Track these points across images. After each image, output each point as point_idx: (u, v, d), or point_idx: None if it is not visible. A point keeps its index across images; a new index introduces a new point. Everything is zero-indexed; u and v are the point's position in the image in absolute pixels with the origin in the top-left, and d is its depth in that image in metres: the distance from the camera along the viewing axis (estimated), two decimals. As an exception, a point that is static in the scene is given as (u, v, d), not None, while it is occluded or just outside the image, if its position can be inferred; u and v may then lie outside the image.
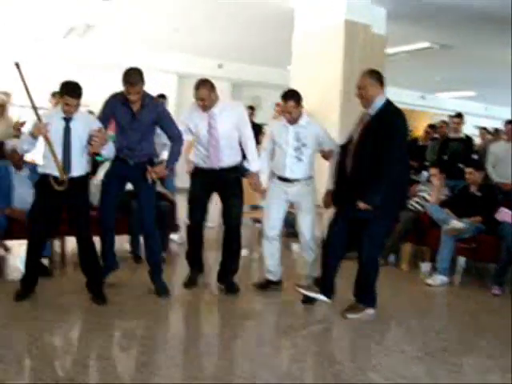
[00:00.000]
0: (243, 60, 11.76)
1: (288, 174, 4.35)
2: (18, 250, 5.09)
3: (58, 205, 3.95)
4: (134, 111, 4.05)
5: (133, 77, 3.92)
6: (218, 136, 4.25)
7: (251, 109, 8.68)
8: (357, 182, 3.80)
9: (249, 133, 4.37)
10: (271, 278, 4.57)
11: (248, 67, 12.18)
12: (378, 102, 3.81)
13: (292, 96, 4.27)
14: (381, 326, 3.94)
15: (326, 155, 4.37)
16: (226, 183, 4.38)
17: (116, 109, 4.09)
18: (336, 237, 4.03)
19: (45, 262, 4.61)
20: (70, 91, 3.77)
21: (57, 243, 4.96)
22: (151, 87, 10.42)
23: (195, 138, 4.43)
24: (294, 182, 4.35)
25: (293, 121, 4.30)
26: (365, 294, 4.04)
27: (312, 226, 4.42)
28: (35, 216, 3.95)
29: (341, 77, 6.60)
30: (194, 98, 4.23)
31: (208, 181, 4.37)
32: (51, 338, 3.41)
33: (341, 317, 4.00)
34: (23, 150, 4.02)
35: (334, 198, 4.15)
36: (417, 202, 6.06)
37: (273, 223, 4.46)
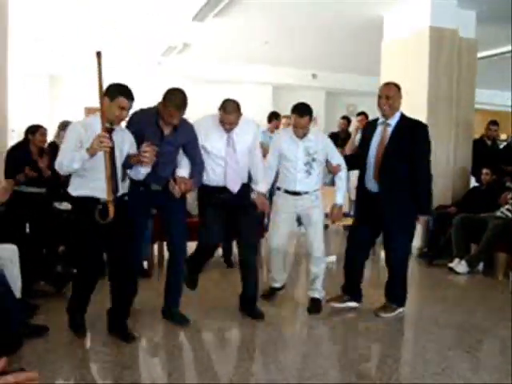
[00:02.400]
0: (336, 69, 11.83)
1: (298, 188, 4.27)
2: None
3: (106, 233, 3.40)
4: (165, 133, 3.68)
5: (181, 99, 3.56)
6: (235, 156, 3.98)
7: (345, 119, 8.72)
8: (392, 192, 4.02)
9: (260, 154, 4.17)
10: (276, 285, 4.63)
11: (341, 76, 12.22)
12: (398, 114, 4.11)
13: (307, 111, 4.13)
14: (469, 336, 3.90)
15: (333, 169, 4.31)
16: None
17: (145, 127, 3.64)
18: (360, 243, 4.29)
19: (144, 263, 5.03)
20: (128, 93, 3.38)
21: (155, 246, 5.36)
22: (247, 99, 10.97)
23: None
24: (303, 194, 4.28)
25: (302, 135, 4.20)
26: (395, 294, 4.26)
27: (322, 238, 4.33)
28: (88, 253, 3.46)
29: (426, 84, 6.52)
30: (222, 119, 3.85)
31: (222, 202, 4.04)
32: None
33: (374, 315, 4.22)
34: (72, 170, 3.27)
35: (359, 209, 4.42)
36: (508, 210, 5.85)
37: (281, 236, 4.37)
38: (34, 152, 5.13)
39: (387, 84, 4.15)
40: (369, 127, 4.33)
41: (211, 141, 3.90)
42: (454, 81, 6.72)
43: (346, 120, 8.57)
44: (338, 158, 4.31)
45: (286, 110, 11.63)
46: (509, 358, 3.40)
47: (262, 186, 4.17)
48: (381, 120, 4.15)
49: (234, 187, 3.97)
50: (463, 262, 5.74)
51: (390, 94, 4.04)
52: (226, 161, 3.93)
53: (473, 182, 7.17)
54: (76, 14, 7.78)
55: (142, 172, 3.54)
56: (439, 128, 6.61)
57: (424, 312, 4.54)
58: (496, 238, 5.65)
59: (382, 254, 4.69)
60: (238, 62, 11.34)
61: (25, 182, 4.83)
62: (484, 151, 7.13)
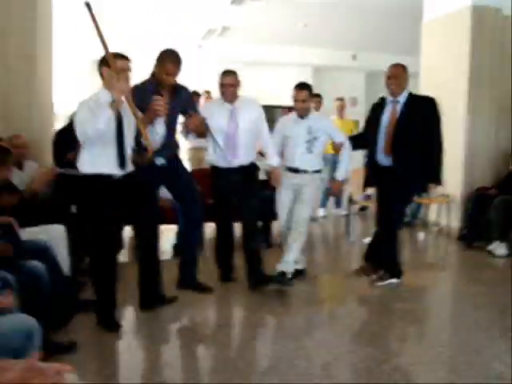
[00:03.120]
0: (376, 49, 11.70)
1: (297, 164, 4.47)
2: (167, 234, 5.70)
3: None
4: (167, 100, 3.67)
5: (178, 56, 3.70)
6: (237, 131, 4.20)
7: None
8: (405, 163, 4.27)
9: (267, 130, 4.36)
10: (298, 267, 4.58)
11: (381, 56, 12.07)
12: (405, 93, 4.37)
13: (305, 86, 4.40)
14: None
15: (337, 147, 4.56)
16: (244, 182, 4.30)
17: (147, 98, 3.54)
18: (389, 217, 4.47)
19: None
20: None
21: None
22: (287, 81, 11.04)
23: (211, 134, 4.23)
24: (301, 172, 4.47)
25: (304, 114, 4.42)
26: (388, 266, 4.53)
27: (306, 219, 4.43)
28: (105, 234, 3.39)
29: (468, 64, 6.41)
30: (221, 82, 4.14)
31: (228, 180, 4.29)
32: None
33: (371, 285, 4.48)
34: (97, 133, 3.14)
35: (374, 182, 4.66)
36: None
37: (286, 213, 4.55)
38: (79, 135, 5.28)
39: (394, 65, 4.39)
40: (376, 107, 4.57)
41: (214, 118, 4.13)
42: (496, 61, 6.58)
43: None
44: (340, 137, 4.54)
45: (325, 91, 11.64)
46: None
47: (274, 160, 4.37)
48: (390, 99, 4.41)
49: (233, 158, 4.20)
50: (502, 245, 5.70)
51: (396, 73, 4.30)
52: (227, 134, 4.16)
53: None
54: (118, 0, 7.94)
55: (158, 132, 3.64)
56: (480, 109, 6.52)
57: (461, 293, 4.57)
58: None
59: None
60: (277, 44, 11.36)
61: (69, 165, 5.03)
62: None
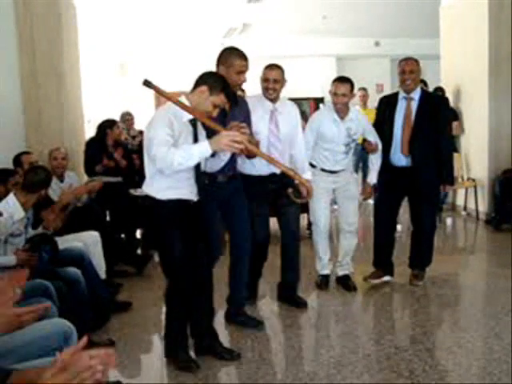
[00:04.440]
0: (398, 34, 11.63)
1: (336, 168, 4.20)
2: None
3: None
4: (227, 109, 3.23)
5: (242, 51, 3.30)
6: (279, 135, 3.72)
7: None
8: (424, 165, 4.13)
9: (302, 138, 3.89)
10: (327, 272, 4.42)
11: (404, 40, 12.00)
12: (419, 89, 4.18)
13: (347, 80, 4.06)
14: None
15: (371, 148, 4.15)
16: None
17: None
18: (388, 217, 4.38)
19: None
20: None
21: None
22: (311, 72, 11.05)
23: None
24: (339, 172, 4.22)
25: (344, 112, 4.08)
26: (424, 262, 4.42)
27: (356, 214, 4.34)
28: (181, 263, 2.94)
29: (487, 45, 6.38)
30: (266, 77, 3.66)
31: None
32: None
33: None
34: (185, 167, 2.79)
35: (384, 183, 4.34)
36: None
37: (325, 216, 4.26)
38: (110, 144, 5.55)
39: (408, 59, 4.17)
40: (385, 103, 4.34)
41: (253, 117, 3.57)
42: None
43: (441, 91, 8.47)
44: (375, 137, 4.18)
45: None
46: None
47: (308, 174, 3.84)
48: (402, 95, 4.18)
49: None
50: (530, 226, 5.72)
51: (412, 68, 4.08)
52: (268, 139, 3.64)
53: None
54: (141, 4, 8.17)
55: (222, 158, 3.14)
56: (502, 89, 6.46)
57: (486, 277, 4.64)
58: None
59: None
60: (298, 37, 11.42)
61: (102, 173, 5.28)
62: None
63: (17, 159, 4.37)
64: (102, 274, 4.06)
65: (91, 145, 5.52)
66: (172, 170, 2.71)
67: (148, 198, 2.92)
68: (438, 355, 3.13)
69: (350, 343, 3.32)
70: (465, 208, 7.11)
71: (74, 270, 3.39)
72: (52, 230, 3.65)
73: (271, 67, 3.68)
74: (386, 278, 4.42)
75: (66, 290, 3.05)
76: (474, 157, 6.89)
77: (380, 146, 4.18)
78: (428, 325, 3.59)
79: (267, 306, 4.09)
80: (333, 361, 3.07)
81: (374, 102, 8.66)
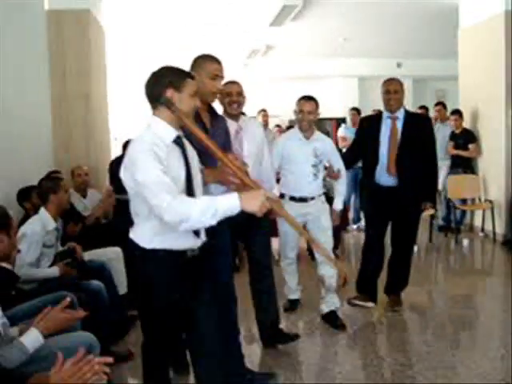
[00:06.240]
0: (420, 56, 11.78)
1: (305, 194, 4.00)
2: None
3: None
4: (208, 127, 2.86)
5: (213, 56, 2.89)
6: None
7: (423, 108, 8.72)
8: (410, 185, 4.08)
9: (269, 158, 3.71)
10: (295, 297, 4.40)
11: (426, 62, 12.12)
12: (402, 109, 4.20)
13: (312, 98, 3.96)
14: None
15: (334, 176, 4.04)
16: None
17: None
18: (378, 240, 4.29)
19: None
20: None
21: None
22: (333, 93, 11.23)
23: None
24: (309, 201, 4.01)
25: (308, 130, 3.97)
26: (403, 284, 4.41)
27: (331, 244, 4.10)
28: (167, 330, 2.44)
29: (503, 69, 6.48)
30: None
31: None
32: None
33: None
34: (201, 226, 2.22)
35: (371, 205, 4.32)
36: None
37: (292, 245, 4.17)
38: (132, 163, 5.76)
39: (392, 79, 4.23)
40: (368, 123, 4.36)
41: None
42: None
43: (425, 109, 8.61)
44: (339, 163, 4.08)
45: (373, 101, 11.77)
46: None
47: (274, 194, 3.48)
48: (387, 114, 4.20)
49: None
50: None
51: (397, 89, 4.13)
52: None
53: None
54: (168, 25, 8.48)
55: (212, 191, 2.66)
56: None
57: (502, 298, 4.71)
58: None
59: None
60: (321, 58, 11.65)
61: (124, 191, 5.50)
62: None
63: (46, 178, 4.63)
64: (124, 289, 4.25)
65: (115, 164, 5.76)
66: (186, 227, 2.10)
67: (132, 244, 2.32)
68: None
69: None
70: (482, 229, 7.15)
71: (96, 283, 3.58)
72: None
73: (232, 83, 3.44)
74: (370, 305, 4.35)
75: (88, 302, 3.24)
76: (492, 178, 6.94)
77: (343, 172, 4.08)
78: (444, 346, 3.65)
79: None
80: None
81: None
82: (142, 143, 2.19)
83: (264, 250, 3.56)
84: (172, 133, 2.25)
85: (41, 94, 5.35)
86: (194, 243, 2.31)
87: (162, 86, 2.22)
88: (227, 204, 2.06)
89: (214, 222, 2.07)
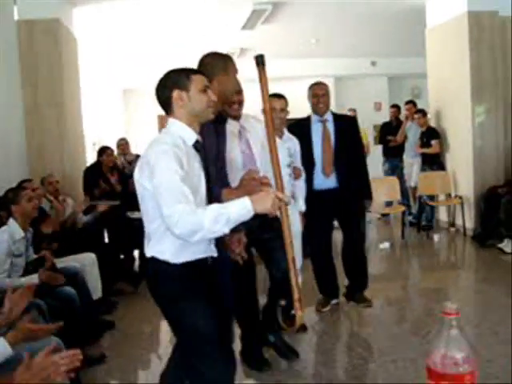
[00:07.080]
0: (394, 54, 11.91)
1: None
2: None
3: None
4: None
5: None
6: None
7: (394, 107, 8.86)
8: (349, 185, 4.19)
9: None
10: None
11: (401, 60, 12.23)
12: (329, 111, 4.32)
13: (282, 96, 3.88)
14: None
15: (296, 174, 4.00)
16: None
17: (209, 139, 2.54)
18: (326, 243, 4.37)
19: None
20: None
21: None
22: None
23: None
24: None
25: (281, 132, 3.89)
26: (365, 281, 4.47)
27: (300, 250, 4.04)
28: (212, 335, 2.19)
29: (468, 68, 6.66)
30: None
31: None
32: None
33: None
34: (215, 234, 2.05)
35: (314, 209, 4.16)
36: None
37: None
38: (105, 170, 5.87)
39: (320, 83, 4.32)
40: (298, 129, 4.24)
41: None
42: (499, 62, 6.77)
43: (396, 108, 8.77)
44: (300, 161, 4.07)
45: (349, 99, 11.93)
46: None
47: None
48: (316, 118, 4.27)
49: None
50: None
51: (325, 91, 4.23)
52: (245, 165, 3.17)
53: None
54: (143, 32, 8.56)
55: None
56: (486, 108, 6.72)
57: (469, 291, 4.85)
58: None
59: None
60: (296, 59, 11.75)
61: (99, 197, 5.59)
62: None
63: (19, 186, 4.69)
64: (98, 293, 4.35)
65: (89, 170, 5.87)
66: (199, 238, 1.98)
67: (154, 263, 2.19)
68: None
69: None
70: (453, 224, 7.33)
71: (69, 289, 3.67)
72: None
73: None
74: (334, 301, 4.45)
75: (58, 308, 3.33)
76: (461, 175, 7.12)
77: (302, 170, 4.07)
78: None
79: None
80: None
81: (370, 120, 8.86)
82: (162, 144, 2.11)
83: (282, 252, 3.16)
84: (192, 135, 2.20)
85: (12, 103, 5.41)
86: (212, 250, 2.28)
87: (167, 88, 2.19)
88: (239, 209, 1.96)
89: (227, 230, 1.97)
